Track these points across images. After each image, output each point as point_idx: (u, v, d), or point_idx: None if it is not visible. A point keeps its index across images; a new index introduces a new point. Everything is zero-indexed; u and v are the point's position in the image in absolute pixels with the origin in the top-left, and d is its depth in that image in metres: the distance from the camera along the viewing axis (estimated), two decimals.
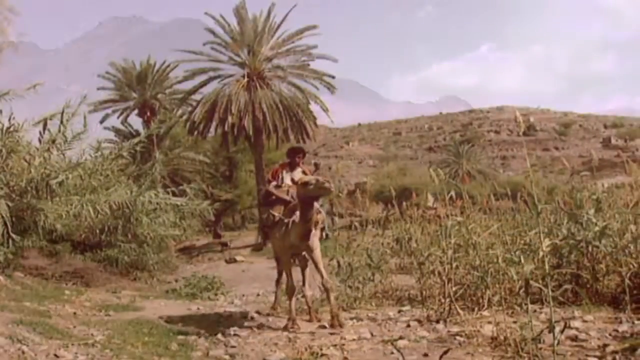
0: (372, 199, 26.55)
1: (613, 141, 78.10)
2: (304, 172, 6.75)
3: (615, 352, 4.22)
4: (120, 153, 13.90)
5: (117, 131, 35.00)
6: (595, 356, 4.19)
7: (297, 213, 5.99)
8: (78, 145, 12.68)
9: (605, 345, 4.47)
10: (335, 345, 5.22)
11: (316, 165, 8.25)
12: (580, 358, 4.20)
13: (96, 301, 8.45)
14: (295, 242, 6.10)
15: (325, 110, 28.87)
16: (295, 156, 6.95)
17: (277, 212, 6.29)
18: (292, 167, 6.91)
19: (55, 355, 4.22)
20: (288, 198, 6.35)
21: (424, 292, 7.18)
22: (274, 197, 6.57)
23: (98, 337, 5.32)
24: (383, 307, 7.45)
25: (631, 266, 5.84)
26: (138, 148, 14.53)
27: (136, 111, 36.37)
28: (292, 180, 6.55)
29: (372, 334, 5.66)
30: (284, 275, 6.71)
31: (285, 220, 6.12)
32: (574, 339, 4.75)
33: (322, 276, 6.21)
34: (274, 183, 6.76)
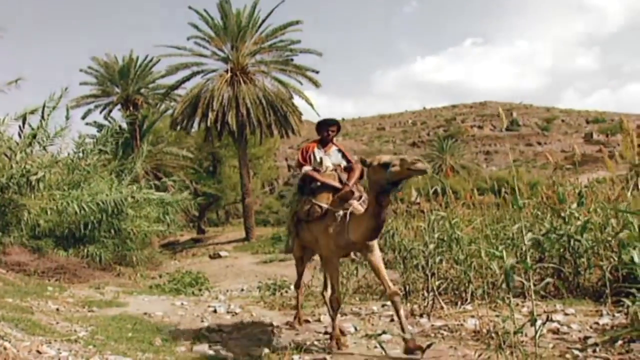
0: None
1: (595, 136, 79.19)
2: (339, 151, 5.63)
3: (596, 344, 4.27)
4: (103, 149, 13.76)
5: (99, 127, 34.69)
6: (576, 348, 4.23)
7: (353, 202, 4.94)
8: (60, 140, 12.56)
9: (586, 338, 4.52)
10: (318, 340, 5.23)
11: None
12: (561, 350, 4.25)
13: (79, 297, 8.37)
14: (358, 240, 4.78)
15: (310, 104, 28.89)
16: (326, 130, 5.59)
17: (323, 202, 5.11)
18: (323, 144, 5.64)
19: (38, 352, 4.17)
20: (337, 184, 5.19)
21: (407, 287, 7.22)
22: (318, 183, 5.30)
23: (81, 333, 5.28)
24: (367, 301, 7.49)
25: (612, 260, 5.91)
26: (119, 140, 14.40)
27: (119, 106, 36.01)
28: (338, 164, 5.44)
29: (355, 329, 5.68)
30: (328, 281, 5.39)
31: (340, 213, 4.90)
32: (556, 331, 4.81)
33: (388, 286, 4.76)
34: (307, 167, 5.49)
